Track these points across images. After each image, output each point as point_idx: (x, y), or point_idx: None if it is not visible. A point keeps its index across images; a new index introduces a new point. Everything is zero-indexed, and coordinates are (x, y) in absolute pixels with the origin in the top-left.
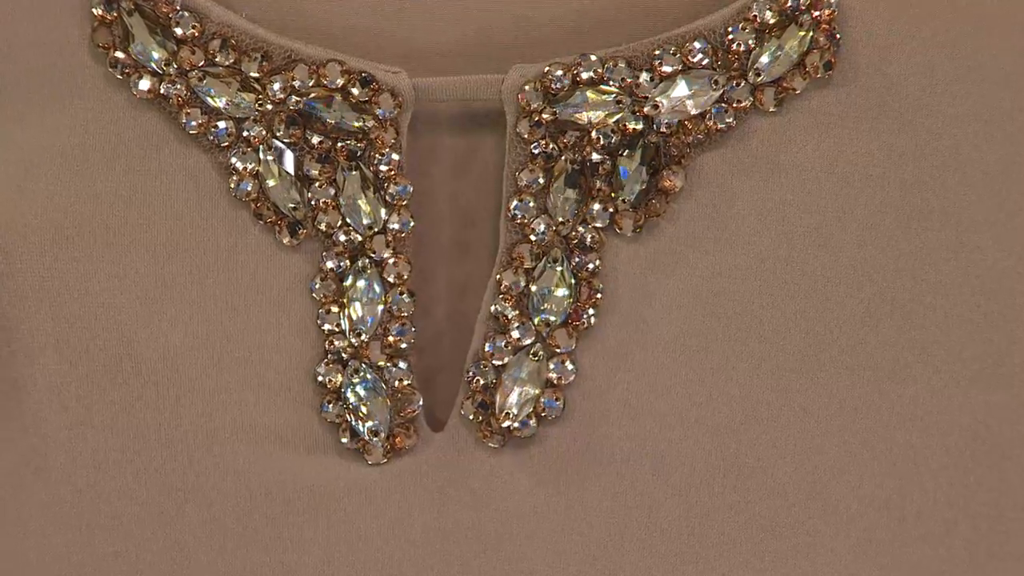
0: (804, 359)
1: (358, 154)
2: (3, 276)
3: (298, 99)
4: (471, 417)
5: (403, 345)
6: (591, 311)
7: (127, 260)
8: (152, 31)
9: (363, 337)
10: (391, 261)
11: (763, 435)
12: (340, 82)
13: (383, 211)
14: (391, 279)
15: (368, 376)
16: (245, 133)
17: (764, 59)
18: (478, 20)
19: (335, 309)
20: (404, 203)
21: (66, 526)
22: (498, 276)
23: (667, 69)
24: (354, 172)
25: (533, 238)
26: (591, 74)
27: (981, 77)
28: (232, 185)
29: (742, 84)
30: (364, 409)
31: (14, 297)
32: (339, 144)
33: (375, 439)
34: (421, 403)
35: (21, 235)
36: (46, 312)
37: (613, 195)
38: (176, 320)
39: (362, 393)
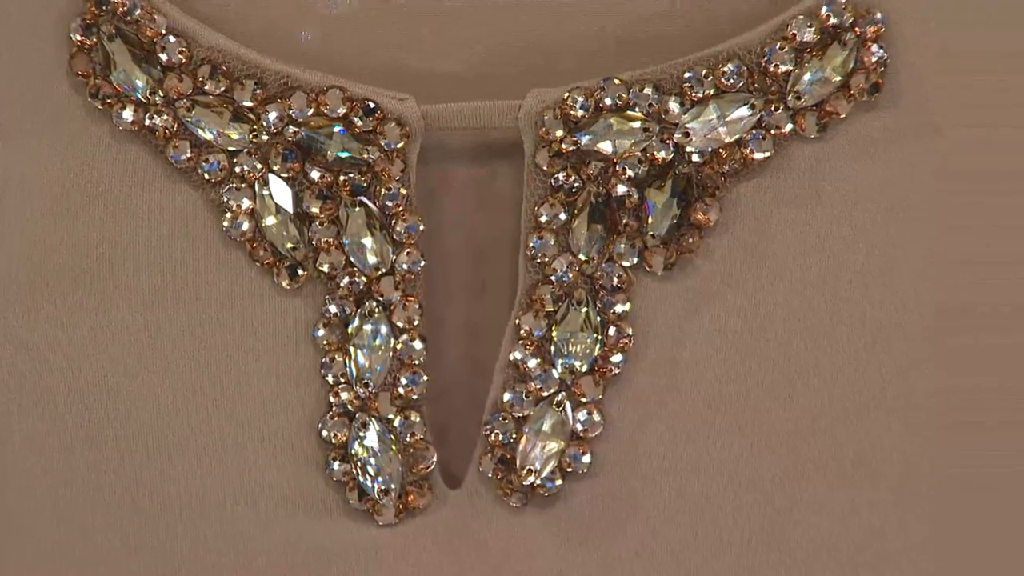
0: (853, 406)
1: (362, 189)
2: None
3: (296, 129)
4: (490, 473)
5: (415, 396)
6: (619, 357)
7: (111, 308)
8: (136, 57)
9: (371, 387)
10: (400, 304)
11: (808, 489)
12: (342, 110)
13: (391, 250)
14: (400, 324)
15: (377, 430)
16: (238, 167)
17: (805, 81)
18: (492, 41)
19: (340, 357)
20: (413, 241)
21: None
22: (517, 320)
23: (699, 93)
24: (358, 208)
25: (554, 278)
26: (615, 99)
27: None
28: (225, 224)
29: (781, 108)
30: (373, 466)
31: None
32: (342, 178)
33: (386, 498)
34: (435, 459)
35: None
36: (24, 365)
37: (641, 230)
38: (166, 372)
39: (371, 448)
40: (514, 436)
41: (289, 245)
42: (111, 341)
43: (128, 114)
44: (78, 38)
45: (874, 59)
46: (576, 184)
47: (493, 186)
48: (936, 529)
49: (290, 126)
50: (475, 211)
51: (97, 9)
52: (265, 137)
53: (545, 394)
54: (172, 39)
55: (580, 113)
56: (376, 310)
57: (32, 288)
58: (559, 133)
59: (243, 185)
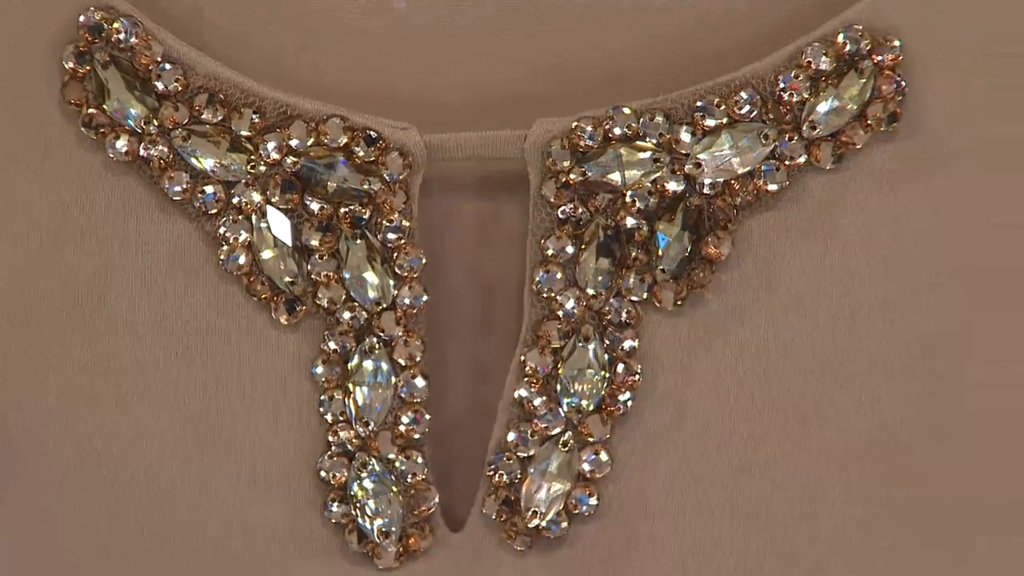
0: (869, 445)
1: (363, 221)
2: None
3: (295, 160)
4: (493, 516)
5: (416, 435)
6: (627, 395)
7: (104, 344)
8: (130, 85)
9: (371, 427)
10: (402, 340)
11: (824, 531)
12: (343, 140)
13: (392, 284)
14: (402, 361)
15: (377, 470)
16: (236, 199)
17: (820, 110)
18: (497, 68)
19: (339, 395)
20: (416, 275)
21: None
22: (522, 357)
23: (710, 123)
24: (359, 241)
25: (561, 314)
26: (624, 129)
27: None
28: (221, 257)
29: (795, 139)
30: (373, 507)
31: None
32: (342, 210)
33: (386, 541)
34: (437, 500)
35: None
36: (12, 405)
37: (651, 264)
38: (160, 410)
39: (370, 489)
40: (519, 477)
41: (287, 279)
42: (103, 378)
43: (122, 144)
44: (71, 66)
45: (892, 88)
46: (584, 216)
47: (498, 218)
48: (959, 569)
49: (289, 156)
50: (479, 244)
51: (91, 36)
52: (263, 167)
53: (551, 433)
54: (168, 67)
55: (588, 143)
56: (377, 346)
57: (22, 323)
58: (566, 164)
59: (240, 217)
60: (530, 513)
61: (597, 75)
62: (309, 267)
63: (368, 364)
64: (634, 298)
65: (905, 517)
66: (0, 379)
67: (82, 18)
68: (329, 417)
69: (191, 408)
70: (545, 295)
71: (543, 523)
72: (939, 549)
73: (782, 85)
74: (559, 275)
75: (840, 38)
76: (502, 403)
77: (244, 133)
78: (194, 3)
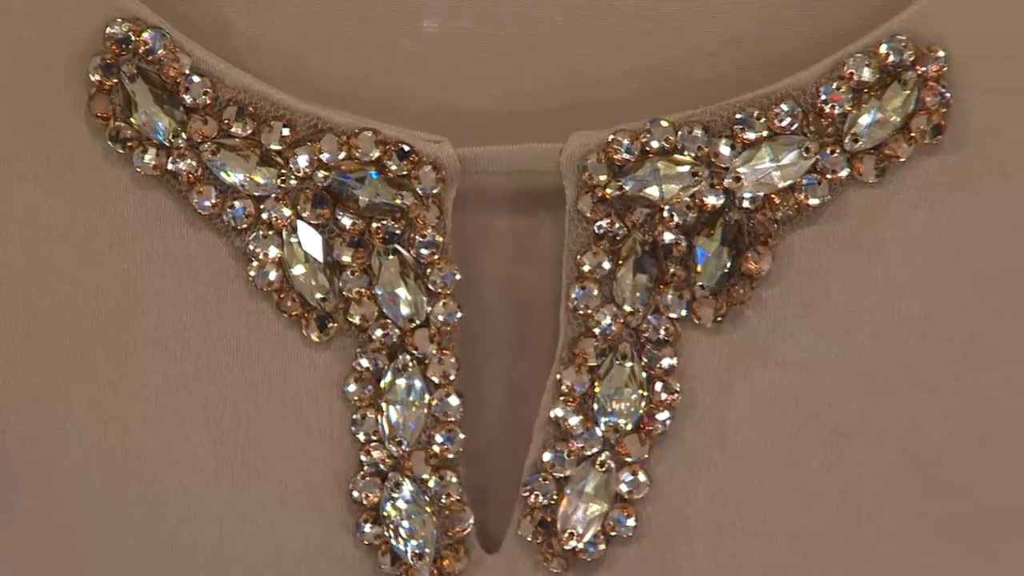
0: (913, 461)
1: (396, 236)
2: None
3: (326, 174)
4: (529, 537)
5: (450, 455)
6: (666, 414)
7: (132, 361)
8: (158, 98)
9: (404, 446)
10: (436, 358)
11: (864, 548)
12: (374, 154)
13: (425, 301)
14: (436, 379)
15: (411, 490)
16: (266, 214)
17: (862, 123)
18: (531, 79)
19: (371, 414)
20: (449, 291)
21: None
22: (558, 375)
23: (750, 136)
24: (392, 257)
25: (598, 331)
26: (663, 142)
27: None
28: (251, 273)
29: (837, 152)
30: (407, 528)
31: (3, 408)
32: (374, 225)
33: (420, 563)
34: (472, 521)
35: (7, 336)
36: (41, 423)
37: (690, 280)
38: (190, 427)
39: (404, 510)
40: (555, 498)
41: (319, 295)
42: (131, 396)
43: (150, 158)
44: (97, 78)
45: (936, 99)
46: (621, 231)
47: (533, 233)
48: None
49: (320, 170)
50: (514, 260)
51: (118, 48)
52: (294, 182)
53: (588, 453)
54: (196, 79)
55: (625, 157)
56: (410, 364)
57: (48, 340)
58: (603, 178)
59: (270, 232)
60: (567, 535)
61: (634, 87)
62: (341, 283)
63: (401, 382)
64: (672, 315)
65: (946, 532)
66: (27, 397)
67: (109, 29)
68: (361, 436)
69: (221, 426)
70: (581, 312)
71: (580, 545)
72: (979, 563)
73: (823, 97)
74: (596, 292)
75: (883, 49)
76: (538, 422)
77: (274, 147)
78: (219, 12)
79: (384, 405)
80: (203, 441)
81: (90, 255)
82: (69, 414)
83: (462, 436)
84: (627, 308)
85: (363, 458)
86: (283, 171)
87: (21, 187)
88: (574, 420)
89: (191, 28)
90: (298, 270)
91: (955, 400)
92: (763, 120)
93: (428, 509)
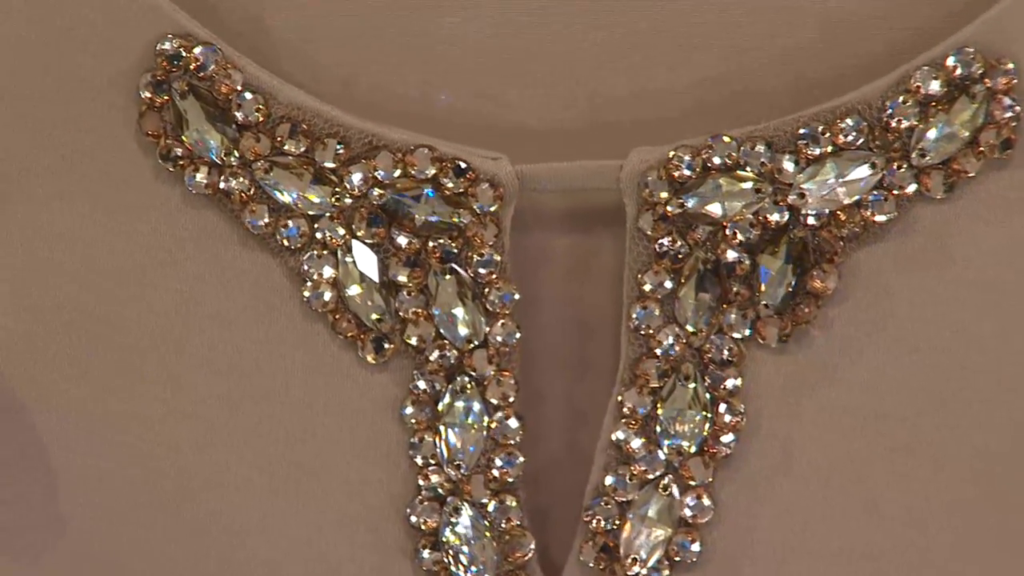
0: (988, 489)
1: (453, 255)
2: (40, 406)
3: (381, 192)
4: (591, 563)
5: (510, 478)
6: (730, 436)
7: (184, 381)
8: (210, 116)
9: (463, 470)
10: (494, 379)
11: (934, 569)
12: (431, 171)
13: (483, 321)
14: (495, 400)
15: (470, 515)
16: (320, 233)
17: (930, 137)
18: (590, 94)
19: (429, 437)
20: (508, 311)
21: None
22: (620, 397)
23: (814, 151)
24: (449, 276)
25: (660, 352)
26: (724, 158)
27: None
28: (306, 294)
29: (904, 167)
30: (467, 554)
31: (53, 431)
32: (431, 244)
33: None
34: (533, 546)
35: (55, 360)
36: (88, 445)
37: (753, 300)
38: (243, 450)
39: (464, 535)
40: (617, 522)
41: (374, 316)
42: (184, 418)
43: (201, 176)
44: (148, 95)
45: (1006, 113)
46: (682, 250)
47: (593, 252)
48: None
49: (375, 188)
50: (574, 279)
51: (168, 64)
52: (348, 200)
53: (650, 477)
54: (249, 96)
55: (686, 173)
56: (468, 386)
57: (99, 361)
58: (664, 195)
59: (325, 252)
60: (630, 560)
61: (695, 101)
62: (397, 304)
63: (459, 404)
64: (736, 335)
65: (1014, 549)
66: (76, 414)
67: (160, 46)
68: (419, 460)
69: (274, 448)
70: (643, 332)
71: (644, 571)
72: None
73: (890, 111)
74: (657, 311)
75: (950, 61)
76: (599, 445)
77: (328, 165)
78: (261, 25)
79: (442, 428)
80: (256, 463)
81: (141, 275)
82: (118, 432)
83: (522, 459)
84: (689, 328)
85: (421, 482)
86: (337, 189)
87: (72, 208)
88: (636, 443)
89: (236, 38)
90: (353, 290)
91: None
92: (828, 135)
93: (488, 534)
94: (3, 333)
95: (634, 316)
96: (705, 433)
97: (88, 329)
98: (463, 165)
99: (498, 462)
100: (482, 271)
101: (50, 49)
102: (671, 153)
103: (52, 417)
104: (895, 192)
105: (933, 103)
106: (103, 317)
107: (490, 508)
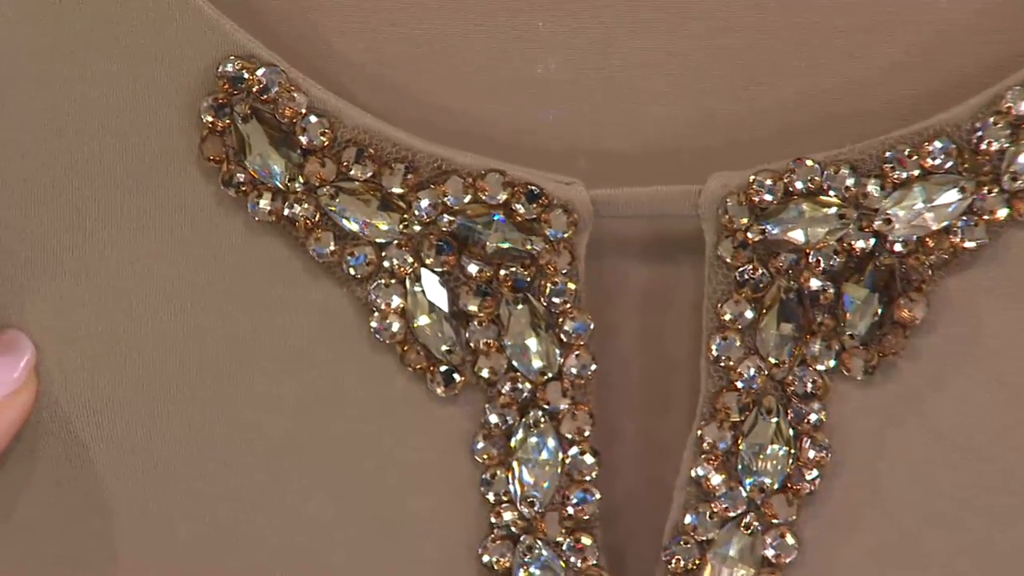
0: None
1: (526, 284)
2: (98, 440)
3: (451, 218)
4: None
5: (586, 516)
6: (815, 472)
7: (248, 416)
8: (273, 140)
9: (537, 507)
10: (569, 413)
11: None
12: (502, 197)
13: (558, 353)
14: (570, 435)
15: (544, 555)
16: (388, 261)
17: (1022, 161)
18: (668, 116)
19: (502, 473)
20: (583, 342)
21: None
22: (699, 432)
23: (901, 175)
24: (521, 306)
25: (741, 384)
26: (807, 183)
27: None
28: (373, 325)
29: (995, 191)
30: None
31: (112, 465)
32: (502, 272)
33: None
34: None
35: (117, 385)
36: (149, 484)
37: (838, 330)
38: (311, 488)
39: (538, 575)
40: (697, 562)
41: (444, 348)
42: (246, 452)
43: (265, 203)
44: (209, 119)
45: None
46: (764, 278)
47: (670, 280)
48: None
49: (445, 215)
50: (651, 308)
51: (231, 87)
52: (417, 227)
53: (732, 515)
54: (314, 119)
55: (768, 198)
56: (542, 420)
57: (159, 397)
58: (744, 221)
59: (393, 281)
60: None
61: (775, 124)
62: (468, 334)
63: (533, 439)
64: (820, 367)
65: None
66: (136, 452)
67: (221, 68)
68: (491, 497)
69: (341, 486)
70: (723, 364)
71: None
72: None
73: (980, 133)
74: (738, 342)
75: None
76: (678, 482)
77: (396, 190)
78: (328, 46)
79: (515, 464)
80: (322, 501)
81: (203, 307)
82: (185, 468)
83: (598, 496)
84: (771, 360)
85: (493, 520)
86: (405, 216)
87: (133, 236)
88: (717, 479)
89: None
90: (422, 321)
91: None
92: (915, 158)
93: (563, 574)
94: (66, 363)
95: (714, 347)
96: (788, 469)
97: (149, 360)
98: (536, 190)
99: (573, 499)
100: (556, 300)
101: (110, 76)
102: (752, 177)
103: (111, 450)
104: (985, 217)
105: None
106: (164, 349)
107: (565, 547)
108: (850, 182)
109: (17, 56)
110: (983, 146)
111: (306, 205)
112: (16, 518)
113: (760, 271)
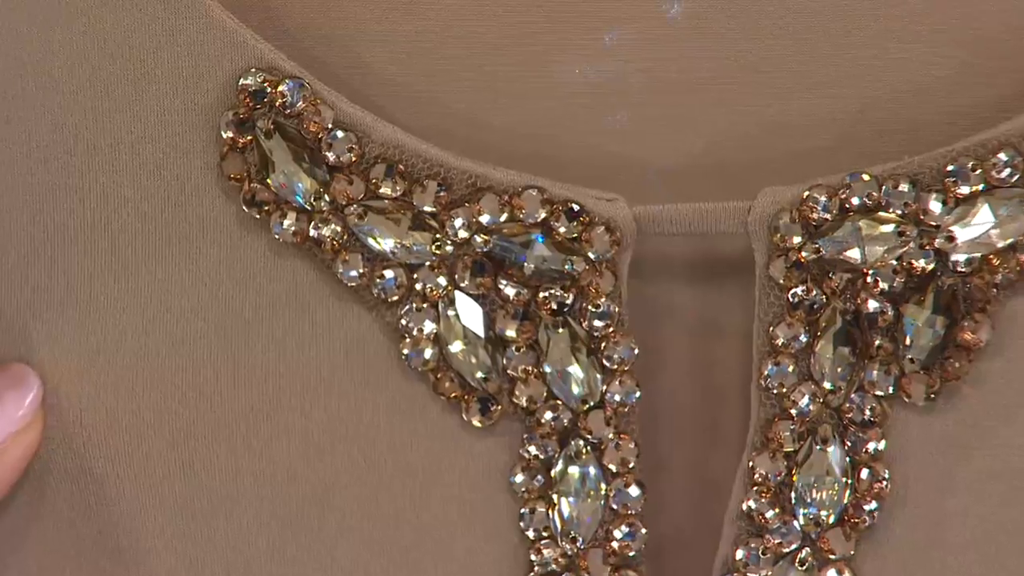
0: None
1: (566, 307)
2: (114, 485)
3: (486, 238)
4: None
5: (631, 552)
6: (873, 504)
7: (276, 452)
8: (298, 156)
9: (580, 543)
10: (612, 443)
11: None
12: (540, 215)
13: (600, 379)
14: (613, 466)
15: None
16: (419, 284)
17: None
18: (715, 127)
19: (542, 507)
20: (627, 368)
21: None
22: (750, 462)
23: (964, 189)
24: (561, 330)
25: (794, 412)
26: (864, 198)
27: None
28: (405, 351)
29: None
30: None
31: (133, 506)
32: (541, 295)
33: None
34: None
35: (132, 431)
36: (178, 519)
37: (898, 354)
38: (341, 525)
39: None
40: None
41: (480, 375)
42: (276, 491)
43: (289, 223)
44: (230, 135)
45: None
46: (818, 300)
47: (719, 302)
48: None
49: (479, 234)
50: (698, 332)
51: (253, 101)
52: (450, 248)
53: (786, 550)
54: (340, 134)
55: (822, 215)
56: (584, 450)
57: (186, 432)
58: (797, 239)
59: (425, 305)
60: None
61: (830, 136)
62: (504, 361)
63: (574, 471)
64: (879, 393)
65: None
66: (161, 491)
67: (242, 81)
68: (531, 533)
69: (374, 522)
70: (775, 391)
71: None
72: None
73: None
74: (791, 368)
75: None
76: (728, 515)
77: (428, 209)
78: (358, 57)
79: (556, 497)
80: (357, 542)
81: (226, 336)
82: (214, 505)
83: (644, 531)
84: (827, 386)
85: (533, 557)
86: (438, 236)
87: (152, 261)
88: (769, 513)
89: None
90: (456, 347)
91: None
92: (979, 171)
93: None
94: (82, 399)
95: (766, 373)
96: (845, 501)
97: (174, 392)
98: (576, 207)
99: (618, 534)
100: (598, 324)
101: (126, 89)
102: (805, 193)
103: (128, 490)
104: None
105: None
106: (188, 381)
107: None
108: (910, 197)
109: (37, 74)
110: None
111: (333, 225)
112: (26, 558)
113: (814, 292)
